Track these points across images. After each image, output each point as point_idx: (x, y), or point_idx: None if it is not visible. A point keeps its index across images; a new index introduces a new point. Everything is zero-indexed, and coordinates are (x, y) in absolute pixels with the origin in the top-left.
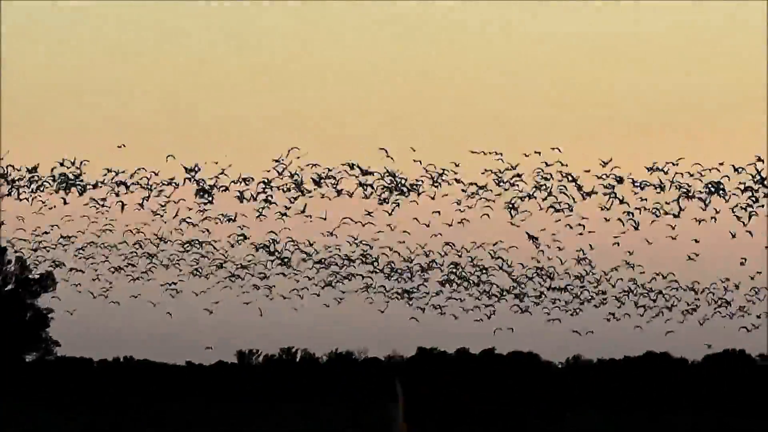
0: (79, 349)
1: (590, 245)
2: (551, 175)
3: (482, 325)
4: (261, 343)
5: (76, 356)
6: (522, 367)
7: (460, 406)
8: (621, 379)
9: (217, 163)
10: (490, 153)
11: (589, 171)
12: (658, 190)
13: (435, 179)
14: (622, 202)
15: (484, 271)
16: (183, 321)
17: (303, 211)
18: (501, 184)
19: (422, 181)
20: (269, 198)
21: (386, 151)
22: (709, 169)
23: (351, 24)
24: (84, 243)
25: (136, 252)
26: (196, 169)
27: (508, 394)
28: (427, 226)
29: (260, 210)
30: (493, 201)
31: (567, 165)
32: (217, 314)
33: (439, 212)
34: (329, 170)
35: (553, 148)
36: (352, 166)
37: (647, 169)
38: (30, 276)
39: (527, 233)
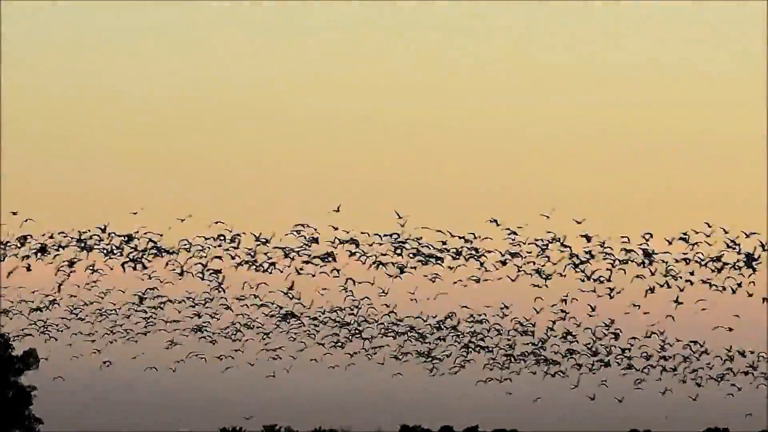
0: (63, 425)
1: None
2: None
3: (469, 400)
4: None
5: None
6: None
7: None
8: None
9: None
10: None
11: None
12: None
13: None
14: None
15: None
16: (170, 392)
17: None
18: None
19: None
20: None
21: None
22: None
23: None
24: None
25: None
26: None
27: None
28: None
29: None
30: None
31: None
32: (203, 386)
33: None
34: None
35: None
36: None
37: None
38: (12, 354)
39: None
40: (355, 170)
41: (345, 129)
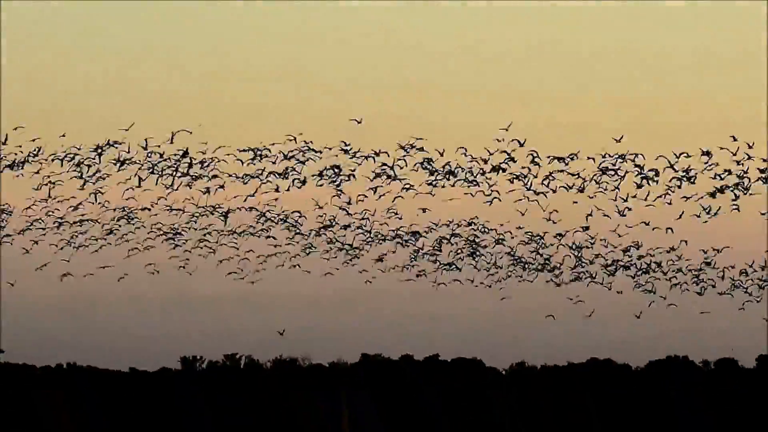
0: (23, 356)
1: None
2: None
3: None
4: (203, 350)
5: (18, 363)
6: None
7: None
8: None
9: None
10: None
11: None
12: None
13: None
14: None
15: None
16: (125, 326)
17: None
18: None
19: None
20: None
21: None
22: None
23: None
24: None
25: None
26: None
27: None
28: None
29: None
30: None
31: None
32: (161, 318)
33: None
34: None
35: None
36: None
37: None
38: None
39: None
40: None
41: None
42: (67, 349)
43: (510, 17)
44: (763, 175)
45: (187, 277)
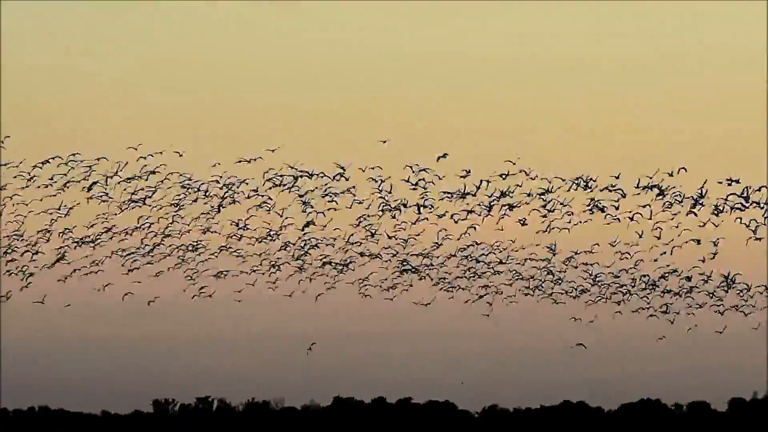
0: None
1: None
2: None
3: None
4: (176, 392)
5: None
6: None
7: None
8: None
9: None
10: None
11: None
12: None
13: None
14: None
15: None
16: (98, 369)
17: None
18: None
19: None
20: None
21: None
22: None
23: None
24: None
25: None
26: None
27: None
28: None
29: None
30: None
31: None
32: (135, 362)
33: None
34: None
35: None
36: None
37: None
38: None
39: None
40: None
41: None
42: (39, 392)
43: None
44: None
45: (162, 317)
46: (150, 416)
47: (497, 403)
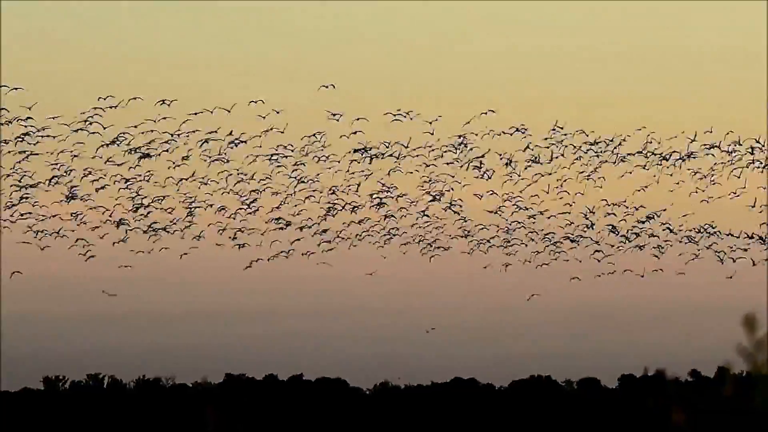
0: None
1: None
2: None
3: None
4: (67, 370)
5: None
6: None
7: None
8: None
9: None
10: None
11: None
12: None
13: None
14: None
15: None
16: None
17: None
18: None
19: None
20: None
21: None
22: None
23: None
24: None
25: None
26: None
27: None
28: None
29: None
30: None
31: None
32: (23, 339)
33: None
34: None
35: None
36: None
37: None
38: None
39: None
40: None
41: None
42: None
43: None
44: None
45: (52, 291)
46: (40, 393)
47: (388, 380)
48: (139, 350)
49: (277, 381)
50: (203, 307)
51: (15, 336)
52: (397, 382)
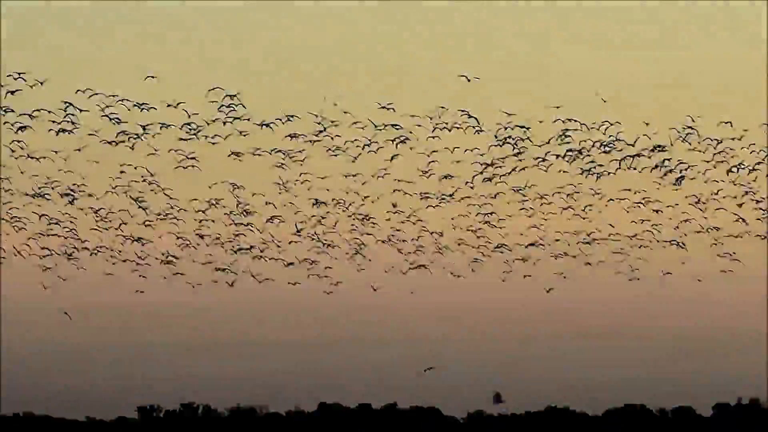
0: None
1: None
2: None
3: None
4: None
5: None
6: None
7: None
8: None
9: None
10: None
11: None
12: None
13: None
14: None
15: None
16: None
17: None
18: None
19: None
20: None
21: None
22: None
23: None
24: None
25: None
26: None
27: None
28: None
29: None
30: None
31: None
32: (117, 368)
33: None
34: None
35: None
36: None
37: None
38: None
39: None
40: None
41: None
42: (23, 398)
43: None
44: None
45: (146, 323)
46: (134, 422)
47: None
48: (231, 378)
49: (371, 409)
50: (292, 335)
51: (106, 365)
52: (491, 410)
